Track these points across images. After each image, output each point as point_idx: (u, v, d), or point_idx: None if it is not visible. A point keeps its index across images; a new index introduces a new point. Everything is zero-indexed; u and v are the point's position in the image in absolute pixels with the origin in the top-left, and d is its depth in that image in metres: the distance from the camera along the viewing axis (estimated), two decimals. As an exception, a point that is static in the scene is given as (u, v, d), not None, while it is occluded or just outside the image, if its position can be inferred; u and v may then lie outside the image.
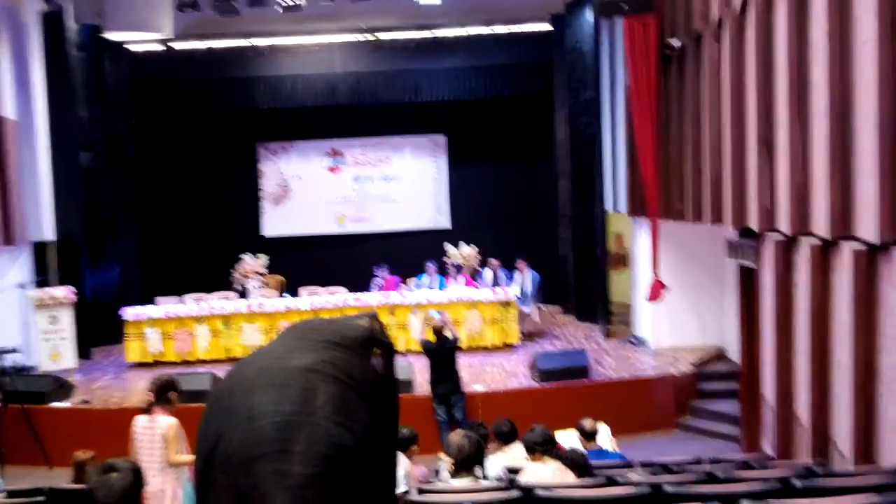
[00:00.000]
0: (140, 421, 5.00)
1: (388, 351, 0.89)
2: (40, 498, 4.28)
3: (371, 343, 0.87)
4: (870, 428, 4.28)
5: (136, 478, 2.85)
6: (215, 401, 0.82)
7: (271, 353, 0.84)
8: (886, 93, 3.92)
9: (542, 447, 4.51)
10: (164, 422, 4.85)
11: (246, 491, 0.74)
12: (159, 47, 12.87)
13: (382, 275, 11.40)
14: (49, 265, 11.14)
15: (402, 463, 4.51)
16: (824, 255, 4.94)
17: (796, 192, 5.20)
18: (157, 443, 4.79)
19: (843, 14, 4.47)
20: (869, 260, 4.28)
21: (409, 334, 10.54)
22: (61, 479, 5.60)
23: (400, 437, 5.21)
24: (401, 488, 4.30)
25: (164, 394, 4.97)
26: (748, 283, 7.33)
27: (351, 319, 0.90)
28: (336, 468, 0.75)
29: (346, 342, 0.86)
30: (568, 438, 5.55)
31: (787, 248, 5.69)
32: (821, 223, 4.81)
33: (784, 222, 5.46)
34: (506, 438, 5.47)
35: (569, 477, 4.30)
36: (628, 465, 4.97)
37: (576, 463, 4.32)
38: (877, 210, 3.98)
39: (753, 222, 6.21)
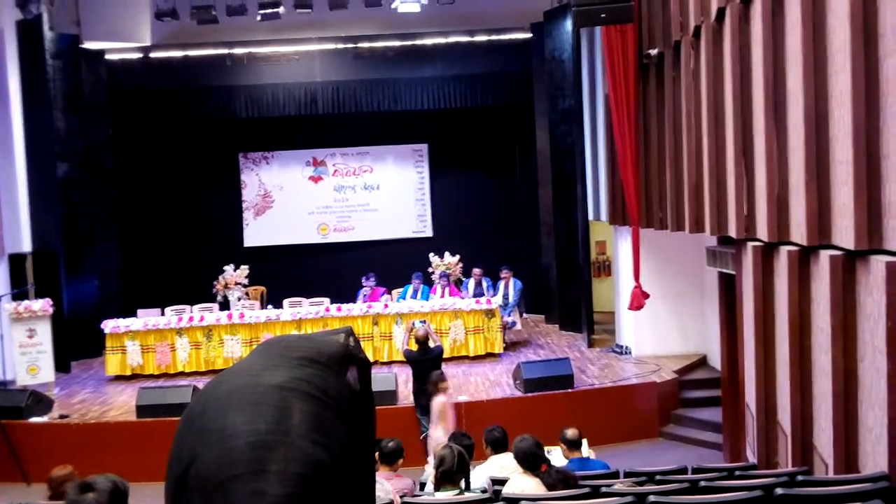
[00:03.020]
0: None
1: (364, 367, 0.87)
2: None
3: (347, 359, 0.86)
4: (851, 435, 4.30)
5: (115, 497, 2.76)
6: (188, 420, 0.80)
7: (245, 370, 0.82)
8: (860, 101, 3.97)
9: (526, 464, 4.47)
10: (437, 399, 7.21)
11: None
12: (138, 56, 12.79)
13: (369, 284, 11.37)
14: (26, 277, 10.99)
15: (382, 484, 4.46)
16: (802, 262, 4.98)
17: (774, 199, 5.25)
18: (434, 414, 7.19)
19: (818, 23, 4.53)
20: (846, 267, 4.32)
21: (392, 344, 10.51)
22: (39, 495, 5.50)
23: (386, 450, 5.20)
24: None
25: (437, 384, 7.30)
26: (729, 290, 7.39)
27: (326, 335, 0.88)
28: (313, 487, 0.73)
29: (322, 359, 0.84)
30: (555, 457, 5.54)
31: (766, 256, 5.74)
32: (798, 230, 4.85)
33: (762, 230, 5.51)
34: (497, 446, 5.44)
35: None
36: (613, 475, 4.96)
37: (554, 487, 4.26)
38: (853, 217, 4.02)
39: (732, 230, 6.26)
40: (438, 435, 6.88)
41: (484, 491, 4.45)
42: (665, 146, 8.51)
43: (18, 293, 10.34)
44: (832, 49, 4.35)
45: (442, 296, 11.04)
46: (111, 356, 10.39)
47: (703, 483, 4.07)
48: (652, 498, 3.63)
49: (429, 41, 13.04)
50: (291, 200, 14.48)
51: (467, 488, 4.42)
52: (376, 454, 5.24)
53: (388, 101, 13.54)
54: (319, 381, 0.80)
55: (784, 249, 5.20)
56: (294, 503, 0.71)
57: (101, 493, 2.71)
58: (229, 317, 10.55)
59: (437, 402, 7.18)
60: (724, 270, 7.41)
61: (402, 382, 8.82)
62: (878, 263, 3.89)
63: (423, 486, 5.40)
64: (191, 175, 14.29)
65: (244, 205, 14.53)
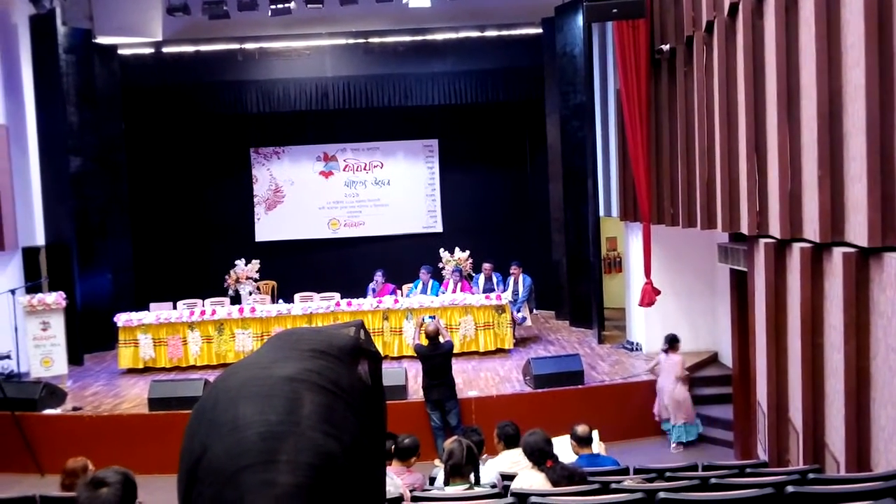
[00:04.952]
0: (661, 356, 8.51)
1: (375, 360, 0.87)
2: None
3: (358, 352, 0.86)
4: (863, 433, 4.28)
5: (127, 489, 2.79)
6: (199, 412, 0.80)
7: (255, 363, 0.82)
8: (874, 96, 3.93)
9: (532, 458, 4.47)
10: (675, 358, 8.32)
11: (232, 502, 0.72)
12: (150, 51, 12.85)
13: (380, 279, 11.39)
14: (40, 270, 11.09)
15: (392, 478, 4.48)
16: (815, 259, 4.95)
17: (787, 196, 5.22)
18: (672, 369, 8.22)
19: (831, 17, 4.49)
20: (859, 264, 4.29)
21: (403, 339, 10.52)
22: (53, 486, 5.55)
23: (402, 445, 5.22)
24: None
25: (673, 344, 8.36)
26: (741, 287, 7.35)
27: (337, 328, 0.88)
28: (323, 478, 0.74)
29: (333, 351, 0.84)
30: (563, 446, 5.53)
31: (778, 253, 5.70)
32: (811, 227, 4.82)
33: (775, 226, 5.48)
34: (510, 441, 5.45)
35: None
36: (623, 472, 4.96)
37: (558, 484, 4.25)
38: (866, 214, 3.99)
39: (745, 227, 6.23)
40: (676, 388, 8.18)
41: (493, 486, 4.46)
42: (677, 142, 8.47)
43: (32, 286, 10.43)
44: (846, 44, 4.31)
45: (454, 291, 11.04)
46: (124, 349, 10.46)
47: (713, 480, 4.06)
48: (662, 495, 3.62)
49: (439, 36, 13.03)
50: (302, 195, 14.52)
51: (477, 482, 4.43)
52: (391, 448, 5.26)
53: (398, 97, 13.54)
54: (330, 374, 0.80)
55: (797, 246, 5.17)
56: (305, 493, 0.71)
57: (114, 486, 2.74)
58: (240, 311, 10.60)
59: (676, 359, 8.24)
60: (736, 267, 7.37)
61: (412, 377, 8.84)
62: (892, 261, 3.86)
63: (432, 480, 5.42)
64: (202, 170, 14.35)
65: (255, 199, 14.58)
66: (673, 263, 9.95)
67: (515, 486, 4.26)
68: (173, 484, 0.77)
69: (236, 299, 11.37)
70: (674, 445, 8.40)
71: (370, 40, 13.10)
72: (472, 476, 4.40)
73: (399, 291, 11.52)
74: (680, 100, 8.29)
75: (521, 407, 8.35)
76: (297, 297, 11.33)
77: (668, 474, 4.62)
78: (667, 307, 9.77)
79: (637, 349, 10.41)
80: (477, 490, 4.25)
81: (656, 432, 8.72)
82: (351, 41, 13.09)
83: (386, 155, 14.61)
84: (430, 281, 11.29)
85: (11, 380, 9.44)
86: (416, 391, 8.56)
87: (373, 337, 0.91)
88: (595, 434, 5.86)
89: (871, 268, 4.21)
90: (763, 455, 6.22)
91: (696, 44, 7.57)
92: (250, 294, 11.42)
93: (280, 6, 11.20)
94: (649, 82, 9.01)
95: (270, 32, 12.73)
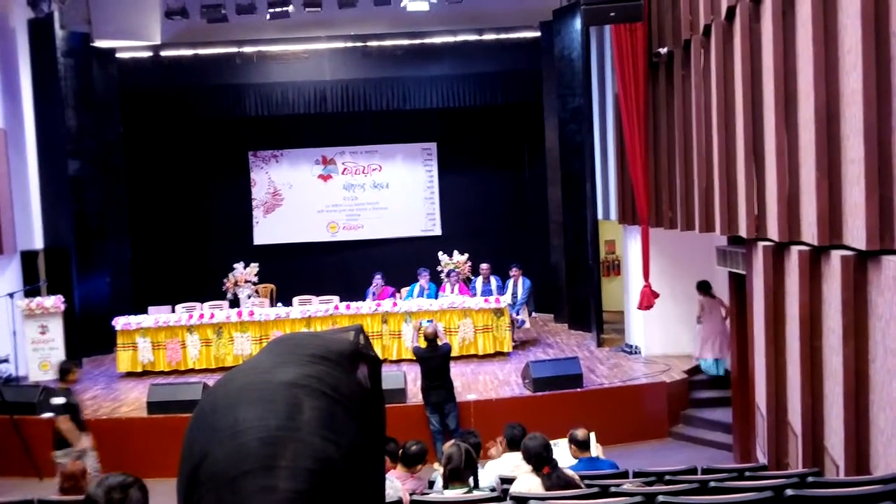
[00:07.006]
0: (704, 300, 8.99)
1: (374, 365, 0.87)
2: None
3: (357, 357, 0.86)
4: (862, 436, 4.28)
5: (145, 492, 2.88)
6: (198, 417, 0.80)
7: (254, 368, 0.82)
8: (871, 100, 3.94)
9: (530, 462, 4.46)
10: (717, 298, 8.83)
11: None
12: (148, 54, 12.85)
13: (379, 282, 11.39)
14: (38, 274, 11.08)
15: (393, 482, 4.48)
16: (813, 262, 4.95)
17: (785, 199, 5.23)
18: (719, 308, 8.84)
19: (829, 21, 4.50)
20: (857, 267, 4.29)
21: (402, 343, 10.52)
22: (52, 490, 5.54)
23: (409, 452, 5.21)
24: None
25: (710, 287, 8.86)
26: (739, 290, 7.35)
27: (336, 333, 0.88)
28: (323, 483, 0.74)
29: (332, 356, 0.84)
30: (562, 450, 5.53)
31: (777, 256, 5.71)
32: (809, 230, 4.83)
33: (773, 230, 5.48)
34: (513, 444, 5.44)
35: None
36: (622, 475, 4.95)
37: (552, 490, 4.24)
38: (864, 217, 3.99)
39: (743, 230, 6.23)
40: (726, 324, 8.74)
41: (493, 489, 4.46)
42: (675, 145, 8.48)
43: (31, 290, 10.42)
44: (843, 48, 4.33)
45: (452, 293, 11.04)
46: (122, 353, 10.45)
47: (712, 484, 4.06)
48: (661, 498, 3.62)
49: (438, 40, 13.04)
50: (301, 199, 14.52)
51: (475, 486, 4.43)
52: (399, 453, 5.26)
53: (397, 100, 13.55)
54: (330, 379, 0.80)
55: (795, 249, 5.17)
56: (304, 499, 0.71)
57: (135, 484, 2.81)
58: (239, 314, 10.59)
59: (718, 299, 8.96)
60: (735, 270, 7.38)
61: (412, 380, 8.83)
62: (890, 263, 3.87)
63: (431, 484, 5.41)
64: (201, 173, 14.35)
65: (254, 203, 14.58)
66: (671, 266, 9.95)
67: (514, 489, 4.26)
68: (173, 488, 0.77)
69: (235, 303, 11.36)
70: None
71: (368, 44, 13.11)
72: (470, 480, 4.40)
73: (398, 294, 11.52)
74: (678, 103, 8.30)
75: (520, 410, 8.33)
76: (295, 300, 11.32)
77: (667, 478, 4.62)
78: (666, 310, 9.77)
79: (636, 352, 10.41)
80: (476, 494, 4.25)
81: (655, 436, 8.72)
82: (349, 45, 13.10)
83: (384, 158, 14.61)
84: (428, 284, 11.29)
85: (10, 383, 9.43)
86: (415, 394, 8.55)
87: (372, 340, 0.91)
88: (592, 436, 5.85)
89: (869, 271, 4.21)
90: (762, 458, 6.22)
91: (693, 47, 7.58)
92: (249, 297, 11.41)
93: (278, 10, 11.22)
94: (647, 86, 9.02)
95: (269, 36, 12.74)
